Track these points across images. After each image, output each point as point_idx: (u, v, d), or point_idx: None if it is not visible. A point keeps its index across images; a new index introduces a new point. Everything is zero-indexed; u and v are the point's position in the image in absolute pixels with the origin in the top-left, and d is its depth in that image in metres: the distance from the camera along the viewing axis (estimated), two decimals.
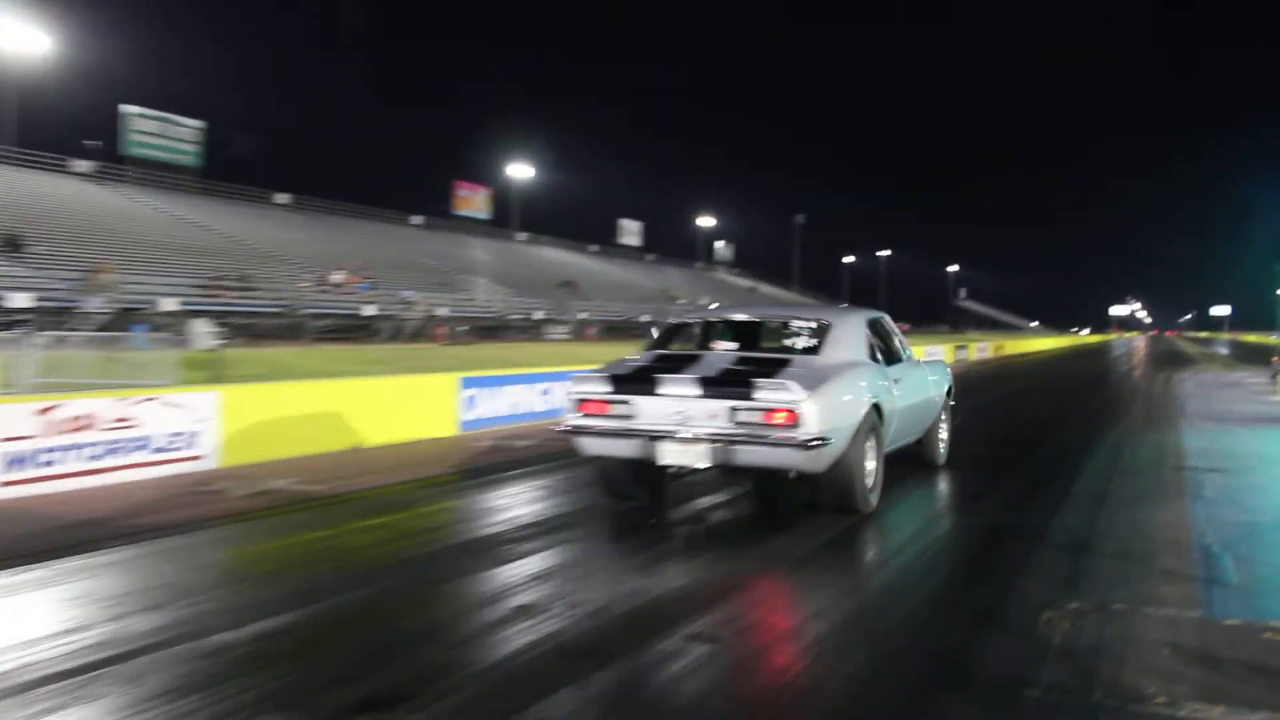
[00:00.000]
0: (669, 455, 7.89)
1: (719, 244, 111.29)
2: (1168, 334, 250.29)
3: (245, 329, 33.32)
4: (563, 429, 8.24)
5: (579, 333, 52.55)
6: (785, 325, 9.96)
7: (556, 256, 79.13)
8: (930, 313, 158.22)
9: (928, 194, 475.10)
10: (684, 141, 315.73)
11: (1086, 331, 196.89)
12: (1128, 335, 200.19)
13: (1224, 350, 71.13)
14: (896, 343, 9.93)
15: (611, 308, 63.08)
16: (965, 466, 10.89)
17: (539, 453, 11.66)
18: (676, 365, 8.32)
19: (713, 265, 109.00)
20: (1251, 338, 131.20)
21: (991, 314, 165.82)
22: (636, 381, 8.04)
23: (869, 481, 8.26)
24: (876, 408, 8.43)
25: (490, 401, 14.32)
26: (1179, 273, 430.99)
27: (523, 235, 78.05)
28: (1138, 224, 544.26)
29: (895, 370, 9.29)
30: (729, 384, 7.80)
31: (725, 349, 9.31)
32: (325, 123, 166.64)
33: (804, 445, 7.52)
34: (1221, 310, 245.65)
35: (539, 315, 53.38)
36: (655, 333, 9.70)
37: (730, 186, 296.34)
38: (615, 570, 6.38)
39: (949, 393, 11.15)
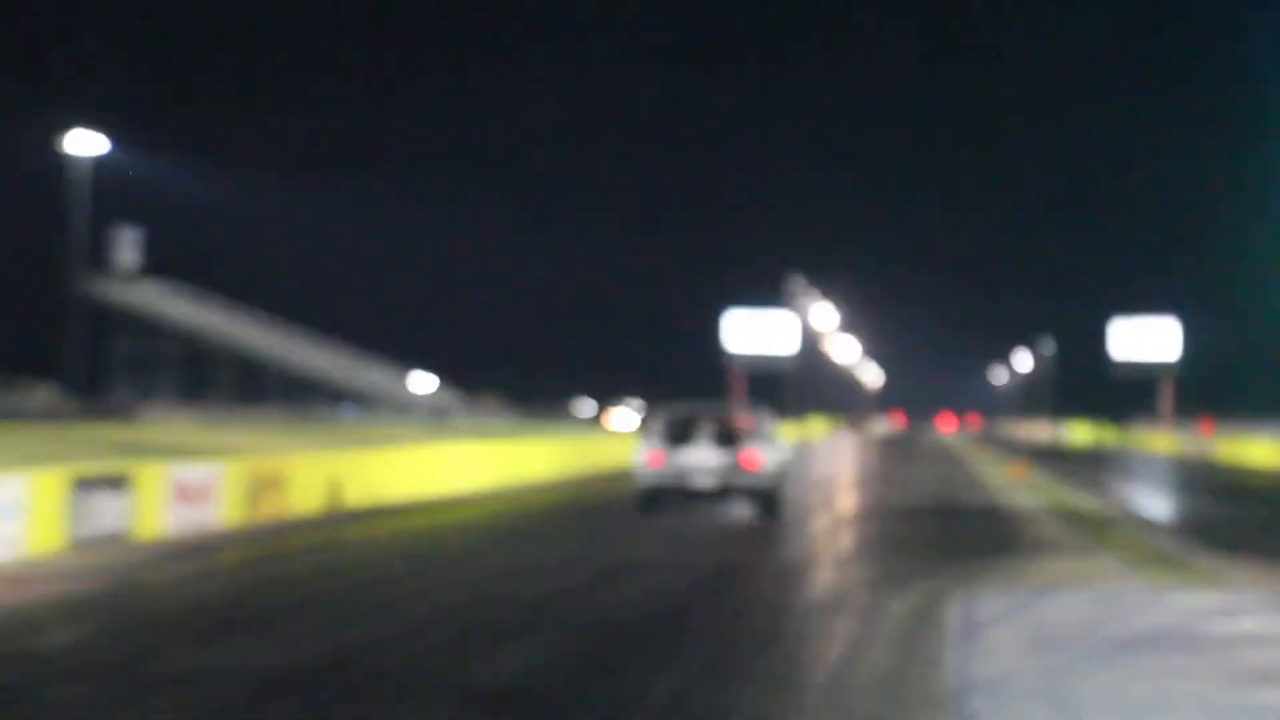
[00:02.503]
0: (696, 480, 23.95)
1: None
2: (946, 425, 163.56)
3: None
4: (638, 469, 24.49)
5: None
6: (731, 416, 25.54)
7: None
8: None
9: None
10: None
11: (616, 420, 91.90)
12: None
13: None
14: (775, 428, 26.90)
15: None
16: None
17: None
18: (693, 434, 24.43)
19: None
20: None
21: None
22: (678, 439, 24.33)
23: (780, 504, 25.28)
24: (782, 462, 25.92)
25: None
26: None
27: None
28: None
29: (778, 442, 25.99)
30: (727, 443, 24.15)
31: (707, 428, 24.58)
32: None
33: (765, 474, 24.05)
34: (1158, 344, 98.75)
35: None
36: (663, 422, 25.23)
37: None
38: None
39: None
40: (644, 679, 11.25)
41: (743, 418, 25.65)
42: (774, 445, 25.36)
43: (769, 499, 24.73)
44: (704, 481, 24.31)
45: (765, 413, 26.83)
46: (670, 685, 11.03)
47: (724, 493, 24.54)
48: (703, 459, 24.30)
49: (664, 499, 24.86)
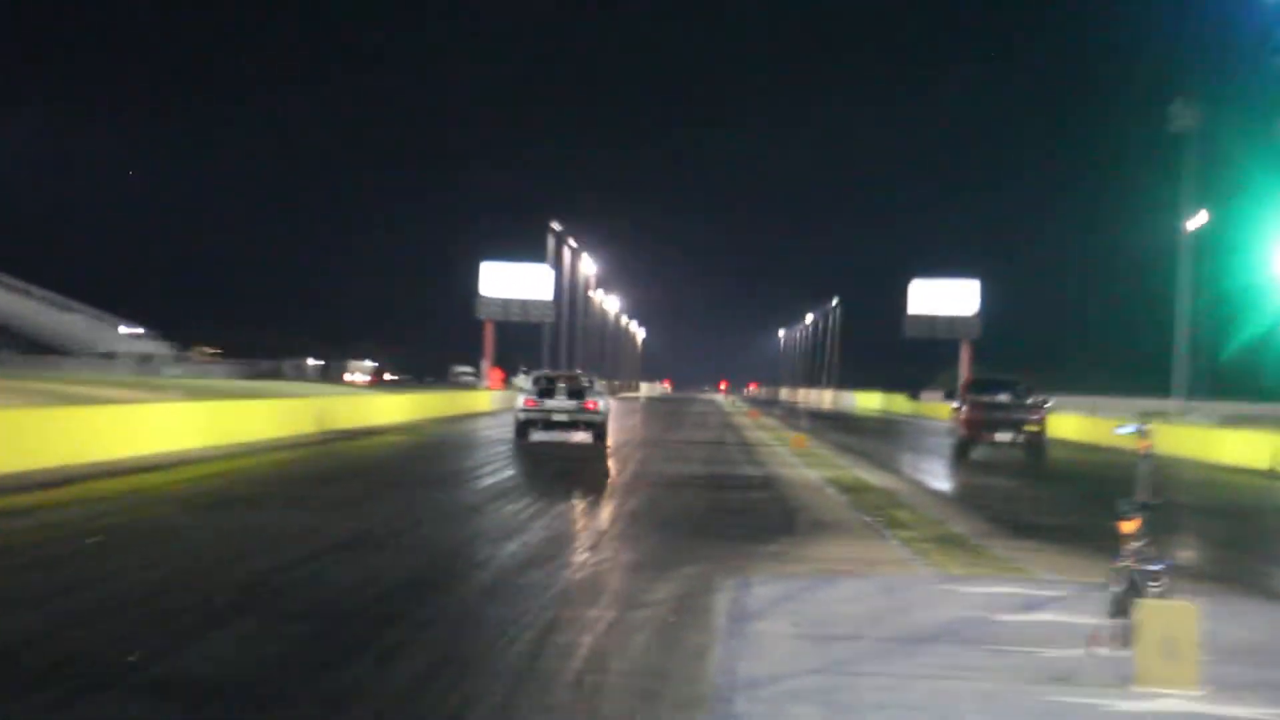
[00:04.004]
0: (556, 417, 42.60)
1: None
2: (722, 389, 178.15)
3: None
4: (517, 410, 43.10)
5: None
6: (578, 376, 46.05)
7: None
8: None
9: None
10: None
11: None
12: None
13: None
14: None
15: None
16: None
17: None
18: (554, 389, 43.43)
19: None
20: None
21: None
22: (545, 393, 43.27)
23: (610, 434, 46.86)
24: (608, 406, 45.47)
25: None
26: None
27: None
28: None
29: (604, 394, 45.70)
30: (576, 394, 43.34)
31: (563, 385, 43.74)
32: None
33: (600, 413, 43.05)
34: (957, 303, 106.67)
35: None
36: (534, 379, 45.09)
37: None
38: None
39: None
40: (369, 671, 11.04)
41: (583, 377, 44.90)
42: (603, 396, 43.67)
43: (601, 429, 42.63)
44: (561, 417, 41.99)
45: (595, 374, 48.81)
46: (398, 679, 10.80)
47: (574, 424, 42.23)
48: (561, 404, 42.04)
49: (534, 428, 42.17)
